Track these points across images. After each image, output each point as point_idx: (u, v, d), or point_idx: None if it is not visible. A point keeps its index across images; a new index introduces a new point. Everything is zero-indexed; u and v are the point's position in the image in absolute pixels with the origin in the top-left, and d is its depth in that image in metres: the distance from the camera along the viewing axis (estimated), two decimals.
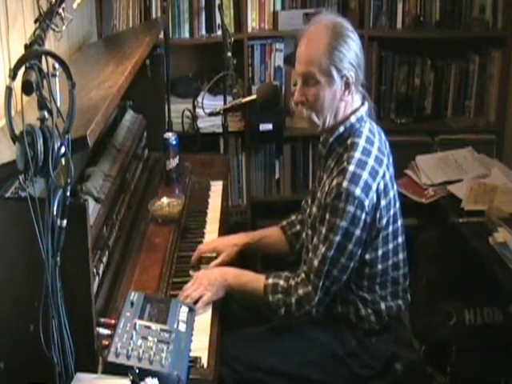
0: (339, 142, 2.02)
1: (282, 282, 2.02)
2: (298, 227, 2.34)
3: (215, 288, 2.04)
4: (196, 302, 1.99)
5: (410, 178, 3.30)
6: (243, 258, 2.39)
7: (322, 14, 2.07)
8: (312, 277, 1.97)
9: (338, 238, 1.92)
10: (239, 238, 2.36)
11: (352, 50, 1.95)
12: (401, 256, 2.08)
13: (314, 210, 2.07)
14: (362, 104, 2.05)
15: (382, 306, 2.05)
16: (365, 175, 1.92)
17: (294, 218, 2.38)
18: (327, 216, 1.94)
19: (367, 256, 2.00)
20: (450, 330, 2.67)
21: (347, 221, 1.91)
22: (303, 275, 1.99)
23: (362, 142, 1.97)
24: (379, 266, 2.02)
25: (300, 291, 1.98)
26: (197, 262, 2.25)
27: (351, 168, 1.92)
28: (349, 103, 2.01)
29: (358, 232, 1.92)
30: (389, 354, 2.10)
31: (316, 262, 1.96)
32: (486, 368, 2.56)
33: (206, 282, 2.04)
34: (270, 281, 2.04)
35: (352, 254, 1.95)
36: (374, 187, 1.93)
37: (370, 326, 2.06)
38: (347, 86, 1.97)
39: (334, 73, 1.94)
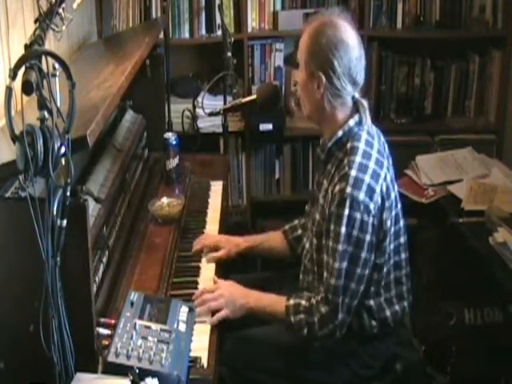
0: (338, 146, 2.01)
1: (303, 302, 1.98)
2: (300, 231, 2.34)
3: (235, 308, 2.01)
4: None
5: (410, 178, 3.30)
6: (244, 258, 2.39)
7: (327, 12, 2.07)
8: (330, 296, 1.92)
9: (349, 248, 1.90)
10: (242, 241, 2.37)
11: (326, 52, 1.92)
12: (403, 256, 2.07)
13: (317, 216, 2.05)
14: (354, 112, 2.01)
15: (387, 312, 2.03)
16: (367, 179, 1.91)
17: (296, 222, 2.38)
18: (332, 227, 1.91)
19: (377, 261, 1.98)
20: (450, 330, 2.66)
21: (356, 228, 1.89)
22: (323, 294, 1.95)
23: (361, 146, 1.96)
24: (384, 269, 2.01)
25: (322, 309, 1.94)
26: (198, 249, 2.29)
27: (353, 173, 1.90)
28: (328, 102, 1.98)
29: (368, 237, 1.90)
30: (389, 354, 2.10)
31: (333, 280, 1.91)
32: (486, 368, 2.56)
33: (227, 296, 2.01)
34: (292, 302, 2.00)
35: (366, 261, 1.92)
36: (378, 189, 1.92)
37: (371, 332, 2.05)
38: (318, 85, 1.96)
39: (304, 67, 1.98)
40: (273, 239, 2.40)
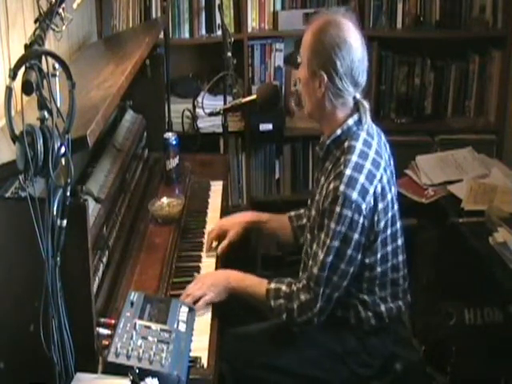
0: (336, 144, 2.02)
1: (284, 288, 2.01)
2: (305, 221, 2.35)
3: (218, 289, 2.04)
4: (196, 302, 2.00)
5: (410, 178, 3.30)
6: (244, 259, 2.39)
7: (331, 11, 2.08)
8: (312, 284, 1.95)
9: (336, 244, 1.92)
10: (245, 216, 2.41)
11: (329, 51, 1.93)
12: (400, 258, 2.08)
13: (313, 212, 2.07)
14: (354, 111, 2.02)
15: (382, 307, 2.05)
16: (361, 179, 1.92)
17: (302, 211, 2.39)
18: (325, 221, 1.93)
19: (367, 260, 1.99)
20: (450, 330, 2.66)
21: (345, 225, 1.90)
22: (304, 282, 1.98)
23: (358, 145, 1.97)
24: (378, 269, 2.02)
25: (302, 297, 1.97)
26: (210, 247, 2.32)
27: (348, 172, 1.91)
28: (328, 101, 1.99)
29: (356, 236, 1.92)
30: (388, 353, 2.10)
31: (315, 270, 1.95)
32: (486, 368, 2.56)
33: (208, 283, 2.05)
34: (273, 285, 2.03)
35: (351, 258, 1.94)
36: (371, 190, 1.93)
37: (369, 327, 2.06)
38: (319, 84, 1.97)
39: (306, 64, 1.98)
40: (278, 221, 2.41)
